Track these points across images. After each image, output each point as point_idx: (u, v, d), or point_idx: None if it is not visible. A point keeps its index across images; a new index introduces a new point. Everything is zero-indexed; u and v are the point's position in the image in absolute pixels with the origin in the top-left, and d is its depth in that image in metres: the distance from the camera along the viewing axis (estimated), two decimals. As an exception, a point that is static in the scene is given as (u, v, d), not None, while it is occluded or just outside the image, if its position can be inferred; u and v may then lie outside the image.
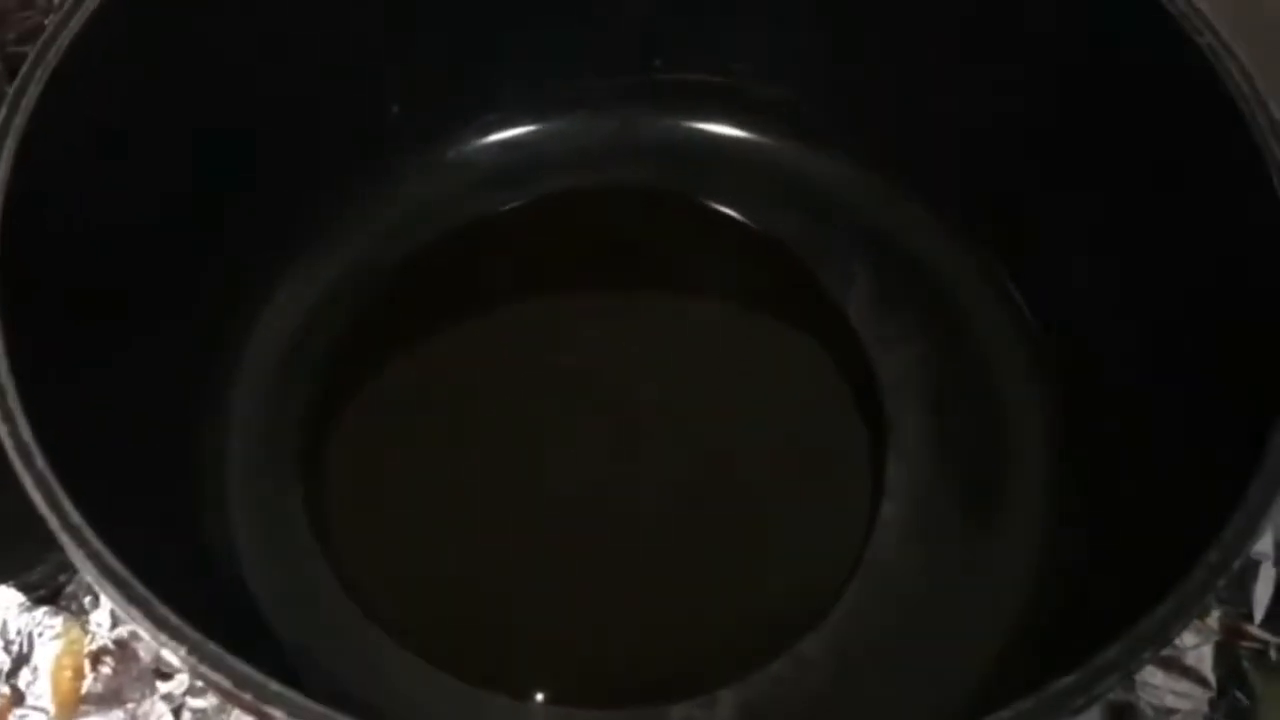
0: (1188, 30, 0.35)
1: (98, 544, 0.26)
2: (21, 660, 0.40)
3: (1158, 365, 0.38)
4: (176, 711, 0.39)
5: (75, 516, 0.26)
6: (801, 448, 0.42)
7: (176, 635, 0.25)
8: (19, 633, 0.40)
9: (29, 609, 0.40)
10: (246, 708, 0.25)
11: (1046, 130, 0.42)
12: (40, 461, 0.27)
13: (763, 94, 0.47)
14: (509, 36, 0.45)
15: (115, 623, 0.40)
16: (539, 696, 0.38)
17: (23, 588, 0.40)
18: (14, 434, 0.27)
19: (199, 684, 0.39)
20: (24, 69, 0.33)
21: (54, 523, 0.26)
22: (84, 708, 0.39)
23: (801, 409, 0.43)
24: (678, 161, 0.47)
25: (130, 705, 0.39)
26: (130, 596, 0.26)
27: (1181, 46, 0.34)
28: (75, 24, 0.34)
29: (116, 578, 0.26)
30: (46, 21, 0.34)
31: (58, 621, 0.40)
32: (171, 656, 0.26)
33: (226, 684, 0.25)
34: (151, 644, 0.39)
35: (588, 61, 0.46)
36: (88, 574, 0.26)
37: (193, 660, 0.25)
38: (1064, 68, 0.41)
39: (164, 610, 0.25)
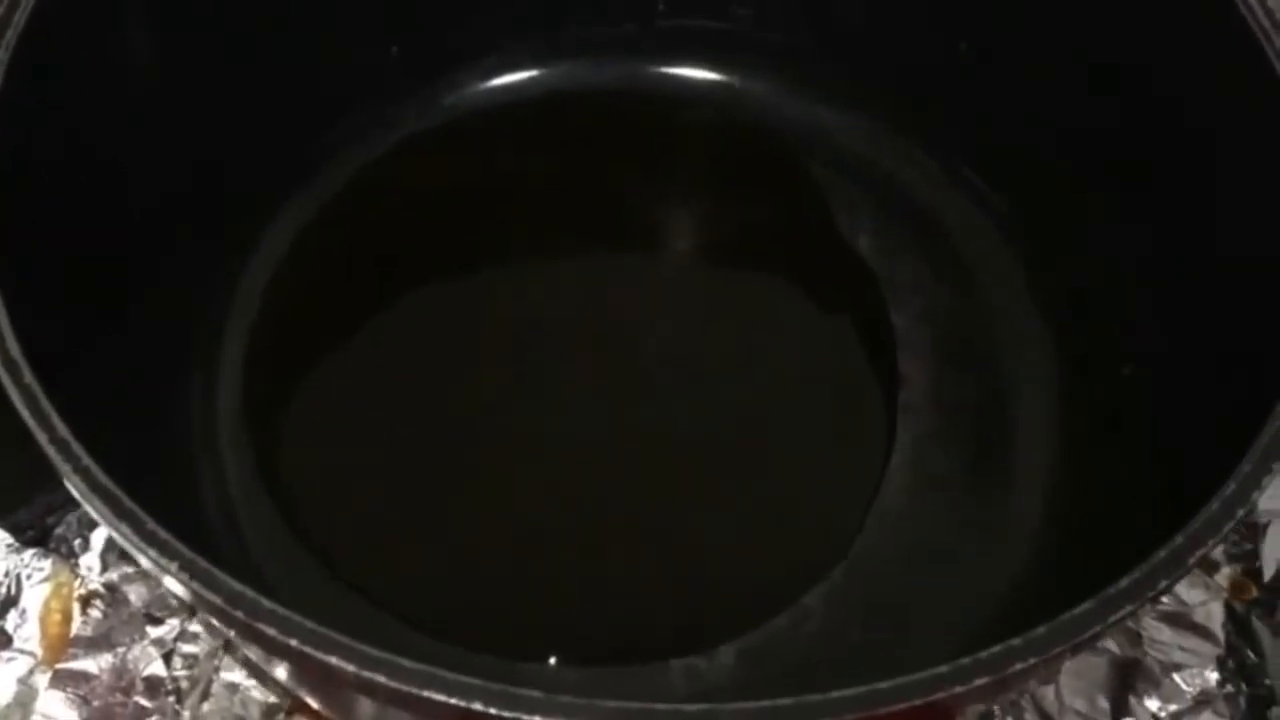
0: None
1: (86, 458, 0.25)
2: (9, 603, 0.39)
3: (1168, 325, 0.38)
4: (167, 656, 0.38)
5: (62, 429, 0.26)
6: (810, 399, 0.42)
7: (167, 551, 0.24)
8: (7, 574, 0.39)
9: (17, 550, 0.40)
10: (238, 627, 0.24)
11: (1064, 80, 0.41)
12: (28, 375, 0.26)
13: (765, 40, 0.46)
14: (512, -21, 0.45)
15: (105, 566, 0.40)
16: (537, 656, 0.36)
17: (11, 528, 0.40)
18: (2, 349, 0.27)
19: (190, 627, 0.39)
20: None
21: (41, 437, 0.26)
22: (72, 651, 0.38)
23: (811, 359, 0.42)
24: (681, 109, 0.47)
25: (120, 649, 0.39)
26: (119, 511, 0.25)
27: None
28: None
29: (105, 492, 0.25)
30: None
31: (47, 564, 0.39)
32: (169, 580, 0.25)
33: (217, 600, 0.24)
34: (142, 590, 0.39)
35: (591, 7, 0.46)
36: (75, 489, 0.25)
37: (184, 577, 0.24)
38: (1084, 27, 0.40)
39: (154, 526, 0.25)
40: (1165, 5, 0.37)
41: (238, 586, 0.24)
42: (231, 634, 0.28)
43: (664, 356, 0.42)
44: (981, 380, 0.42)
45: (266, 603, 0.24)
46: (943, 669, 0.24)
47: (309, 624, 0.24)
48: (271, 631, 0.24)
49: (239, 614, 0.24)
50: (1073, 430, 0.40)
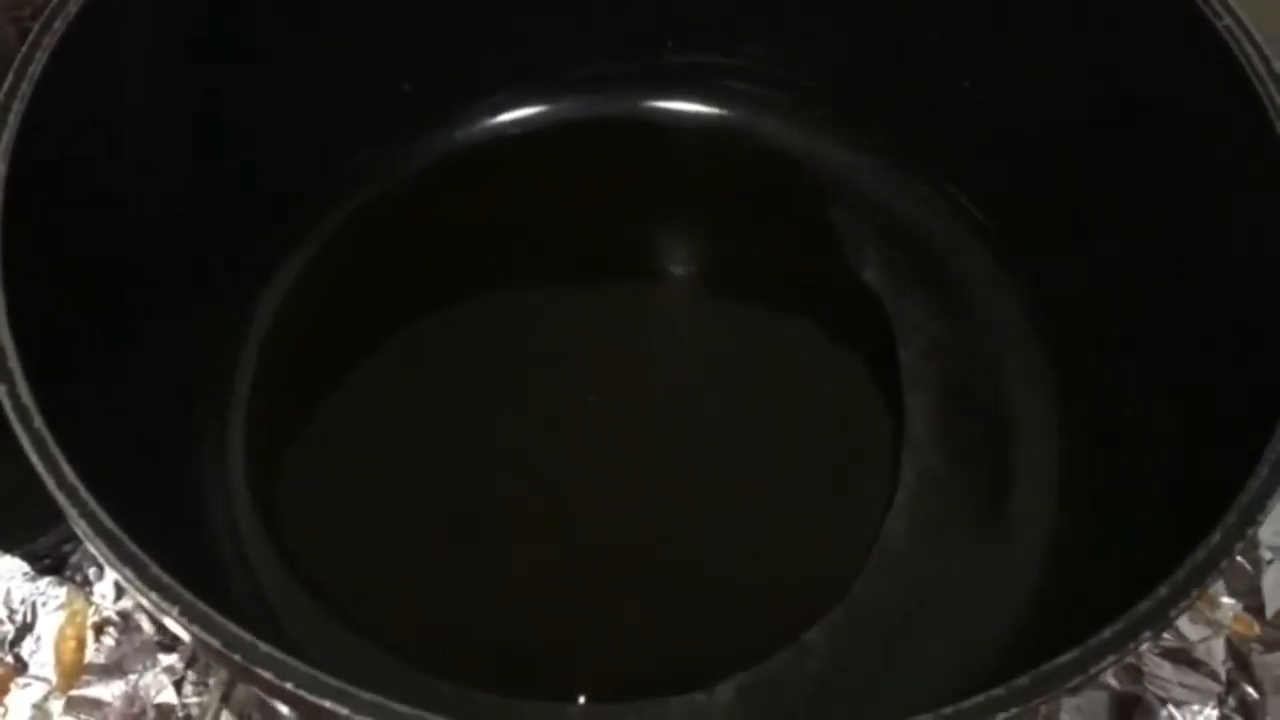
0: (1208, 14, 0.34)
1: (92, 503, 0.26)
2: (25, 629, 0.40)
3: (1168, 357, 0.38)
4: (178, 684, 0.39)
5: (70, 475, 0.26)
6: (816, 434, 0.42)
7: (168, 595, 0.25)
8: (23, 602, 0.40)
9: (33, 578, 0.40)
10: (235, 669, 0.25)
11: (1068, 117, 0.41)
12: (38, 421, 0.27)
13: (772, 76, 0.46)
14: (522, 16, 0.45)
15: (119, 594, 0.40)
16: (534, 694, 0.37)
17: (27, 557, 0.40)
18: (13, 394, 0.27)
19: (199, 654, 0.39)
20: (30, 37, 0.33)
21: (50, 481, 0.26)
22: (86, 678, 0.39)
23: (817, 393, 0.43)
24: (689, 144, 0.47)
25: (132, 676, 0.39)
26: (122, 555, 0.26)
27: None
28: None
29: (108, 535, 0.26)
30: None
31: (62, 591, 0.40)
32: (168, 620, 0.25)
33: (216, 644, 0.24)
34: (155, 616, 0.40)
35: (599, 43, 0.46)
36: (80, 532, 0.26)
37: (183, 620, 0.25)
38: (1079, 59, 0.40)
39: (156, 570, 0.25)
40: (1166, 47, 0.37)
41: (234, 630, 0.25)
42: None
43: (669, 390, 0.42)
44: (984, 418, 0.42)
45: (263, 646, 0.25)
46: (924, 717, 0.25)
47: (304, 668, 0.24)
48: (267, 675, 0.24)
49: (236, 657, 0.25)
50: (1074, 470, 0.40)
